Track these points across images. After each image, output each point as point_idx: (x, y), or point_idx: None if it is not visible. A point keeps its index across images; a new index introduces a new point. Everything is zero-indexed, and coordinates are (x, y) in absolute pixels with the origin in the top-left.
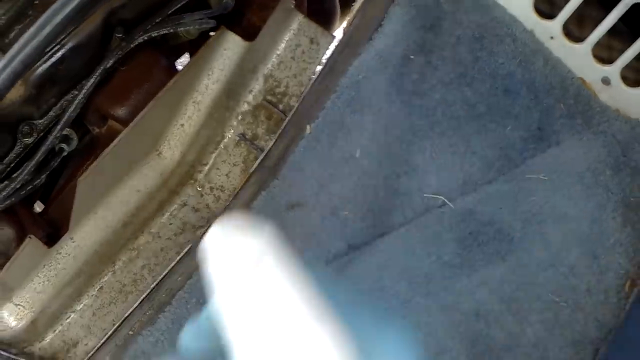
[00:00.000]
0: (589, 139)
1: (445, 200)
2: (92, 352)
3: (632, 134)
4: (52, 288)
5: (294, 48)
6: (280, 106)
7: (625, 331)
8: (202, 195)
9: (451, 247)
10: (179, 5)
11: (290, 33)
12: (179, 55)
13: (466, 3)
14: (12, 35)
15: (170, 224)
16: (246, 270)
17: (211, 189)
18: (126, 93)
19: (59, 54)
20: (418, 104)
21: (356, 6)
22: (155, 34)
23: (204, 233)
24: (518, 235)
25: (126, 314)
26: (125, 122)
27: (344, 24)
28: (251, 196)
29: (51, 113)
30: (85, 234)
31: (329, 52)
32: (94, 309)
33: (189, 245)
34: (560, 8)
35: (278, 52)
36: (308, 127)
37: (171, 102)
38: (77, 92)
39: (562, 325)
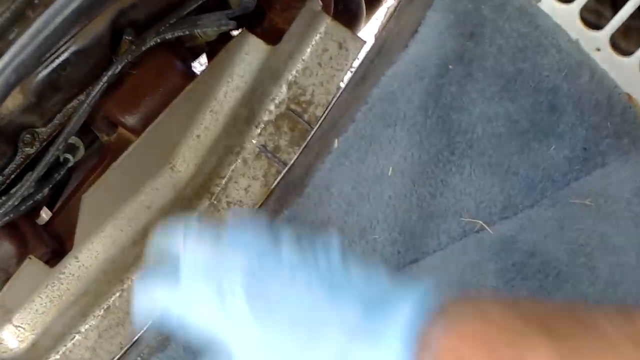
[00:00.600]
0: (636, 161)
1: (484, 225)
2: None
3: None
4: (55, 309)
5: (320, 53)
6: (305, 116)
7: None
8: (218, 211)
9: (492, 280)
10: (196, 5)
11: (317, 37)
12: (195, 58)
13: (509, 10)
14: (10, 38)
15: None
16: None
17: (228, 203)
18: (137, 99)
19: (61, 58)
20: (456, 118)
21: (389, 11)
22: (170, 36)
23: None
24: (564, 270)
25: (134, 338)
26: (136, 130)
27: (375, 28)
28: (272, 215)
29: (55, 121)
30: (90, 254)
31: (358, 59)
32: (100, 330)
33: None
34: (607, 19)
35: (303, 58)
36: (336, 141)
37: (186, 111)
38: (83, 99)
39: None
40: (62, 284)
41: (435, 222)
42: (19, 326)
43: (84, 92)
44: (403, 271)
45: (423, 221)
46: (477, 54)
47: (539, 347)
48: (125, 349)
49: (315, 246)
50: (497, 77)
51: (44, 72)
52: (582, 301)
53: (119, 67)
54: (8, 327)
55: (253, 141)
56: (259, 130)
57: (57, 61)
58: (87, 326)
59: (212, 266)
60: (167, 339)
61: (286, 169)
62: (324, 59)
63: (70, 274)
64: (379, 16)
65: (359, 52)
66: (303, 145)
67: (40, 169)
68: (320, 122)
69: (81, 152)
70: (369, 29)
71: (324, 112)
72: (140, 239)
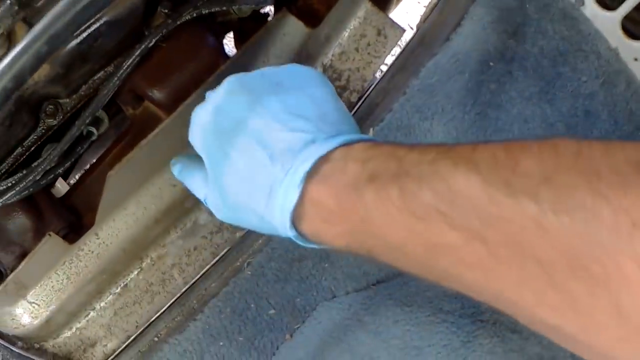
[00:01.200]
0: None
1: None
2: (112, 356)
3: None
4: (71, 286)
5: (358, 38)
6: None
7: None
8: None
9: None
10: None
11: (355, 21)
12: (225, 33)
13: (552, 11)
14: (39, 4)
15: (207, 220)
16: None
17: None
18: (167, 73)
19: (94, 29)
20: (494, 116)
21: (433, 1)
22: (206, 11)
23: (243, 235)
24: None
25: (152, 317)
26: (162, 105)
27: (417, 18)
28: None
29: (80, 92)
30: (111, 231)
31: (398, 48)
32: (116, 308)
33: (227, 248)
34: None
35: (340, 42)
36: (371, 130)
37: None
38: (110, 71)
39: None
40: (80, 261)
41: None
42: (33, 302)
43: (112, 64)
44: None
45: None
46: (518, 53)
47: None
48: (142, 328)
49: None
50: (537, 79)
51: (74, 43)
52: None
53: (153, 40)
54: (22, 303)
55: None
56: None
57: (89, 32)
58: (102, 303)
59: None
60: (186, 321)
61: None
62: (361, 45)
63: (89, 251)
64: (422, 6)
65: (398, 40)
66: None
67: (65, 142)
68: (355, 109)
69: (105, 125)
70: (408, 18)
71: (359, 99)
72: (163, 217)
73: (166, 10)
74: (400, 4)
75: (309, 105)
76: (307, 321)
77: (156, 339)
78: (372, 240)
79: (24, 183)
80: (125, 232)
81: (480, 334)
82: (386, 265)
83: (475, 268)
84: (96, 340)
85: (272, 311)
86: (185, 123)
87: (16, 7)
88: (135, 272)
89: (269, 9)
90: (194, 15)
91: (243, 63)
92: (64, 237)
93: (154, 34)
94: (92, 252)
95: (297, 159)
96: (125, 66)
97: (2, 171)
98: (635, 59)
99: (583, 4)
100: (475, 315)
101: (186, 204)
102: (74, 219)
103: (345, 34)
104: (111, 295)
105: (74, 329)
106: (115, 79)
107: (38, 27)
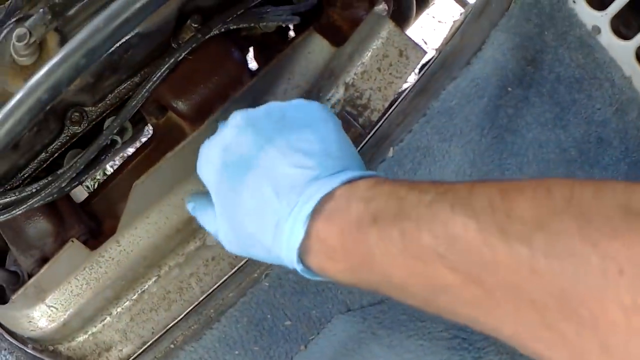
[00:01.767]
0: None
1: None
2: None
3: None
4: (90, 292)
5: (381, 58)
6: (360, 120)
7: None
8: None
9: None
10: None
11: (378, 41)
12: (249, 46)
13: (570, 39)
14: (71, 13)
15: None
16: None
17: None
18: (191, 85)
19: (125, 40)
20: (510, 140)
21: (455, 25)
22: (234, 27)
23: None
24: None
25: (168, 325)
26: (186, 117)
27: (439, 42)
28: None
29: (106, 101)
30: (133, 239)
31: (418, 69)
32: (133, 314)
33: (245, 259)
34: None
35: (363, 61)
36: (391, 149)
37: (245, 104)
38: (137, 81)
39: None
40: (100, 267)
41: None
42: (51, 306)
43: (138, 75)
44: None
45: None
46: (536, 80)
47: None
48: (158, 335)
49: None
50: (553, 105)
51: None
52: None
53: (183, 53)
54: (40, 306)
55: None
56: None
57: (121, 43)
58: (119, 309)
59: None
60: (203, 329)
61: None
62: (383, 65)
63: (110, 257)
64: (436, 31)
65: (419, 61)
66: (357, 150)
67: (92, 151)
68: (376, 128)
69: (129, 134)
70: (423, 41)
71: (379, 118)
72: (184, 227)
73: (196, 25)
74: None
75: (313, 141)
76: (321, 333)
77: (172, 345)
78: (375, 277)
79: (49, 189)
80: (146, 240)
81: (490, 350)
82: None
83: (473, 307)
84: (112, 344)
85: (288, 322)
86: (208, 135)
87: (49, 17)
88: (153, 280)
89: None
90: (222, 30)
91: (269, 80)
92: (84, 243)
93: (183, 48)
94: (113, 258)
95: (302, 196)
96: (155, 78)
97: (26, 175)
98: None
99: (599, 32)
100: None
101: None
102: (94, 225)
103: (368, 53)
104: (128, 302)
105: (89, 333)
106: (145, 90)
107: (77, 40)
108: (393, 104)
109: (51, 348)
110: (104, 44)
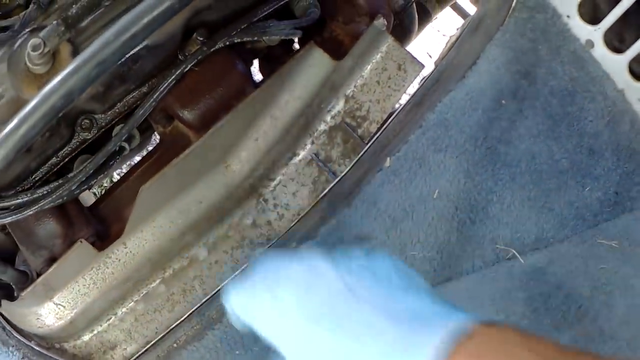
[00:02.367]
0: None
1: (517, 254)
2: (131, 359)
3: None
4: (96, 291)
5: (380, 72)
6: (359, 131)
7: None
8: (264, 211)
9: (520, 307)
10: (266, 13)
11: (377, 56)
12: (254, 59)
13: (563, 53)
14: (83, 25)
15: (228, 236)
16: None
17: (275, 205)
18: (197, 96)
19: (135, 52)
20: (503, 152)
21: (451, 40)
22: (238, 40)
23: (262, 252)
24: (586, 304)
25: (171, 325)
26: (192, 125)
27: (436, 56)
28: (319, 222)
29: (115, 109)
30: (139, 242)
31: (416, 82)
32: (137, 314)
33: (245, 265)
34: None
35: (363, 74)
36: (388, 159)
37: (248, 114)
38: (144, 91)
39: None
40: (107, 267)
41: (472, 246)
42: (59, 304)
43: (146, 85)
44: (436, 288)
45: (461, 244)
46: (529, 93)
47: None
48: (162, 335)
49: (364, 261)
50: (546, 117)
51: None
52: (593, 354)
53: (189, 65)
54: (48, 304)
55: (306, 149)
56: (312, 139)
57: (131, 55)
58: (124, 309)
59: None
60: (205, 330)
61: (337, 180)
62: (382, 78)
63: (116, 259)
64: (441, 45)
65: (417, 75)
66: (355, 160)
67: (101, 157)
68: (374, 139)
69: (137, 141)
70: (427, 55)
71: (378, 129)
72: (189, 231)
73: (201, 38)
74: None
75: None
76: None
77: (175, 345)
78: None
79: (60, 192)
80: (152, 243)
81: None
82: None
83: None
84: (116, 343)
85: None
86: (214, 144)
87: (62, 28)
88: (158, 282)
89: None
90: (227, 43)
91: (271, 92)
92: (92, 245)
93: (190, 60)
94: (119, 260)
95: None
96: (162, 88)
97: (37, 178)
98: None
99: (593, 46)
100: None
101: (210, 221)
102: (101, 228)
103: (368, 67)
104: (133, 302)
105: (95, 332)
106: (152, 100)
107: (89, 51)
108: (391, 116)
109: (57, 346)
110: (114, 55)
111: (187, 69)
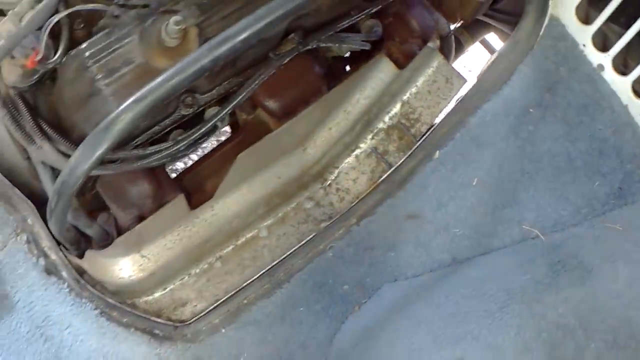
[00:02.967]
0: None
1: (539, 233)
2: (201, 315)
3: None
4: (180, 248)
5: (431, 83)
6: (412, 130)
7: None
8: (327, 194)
9: (543, 269)
10: (346, 25)
11: (430, 70)
12: (325, 66)
13: (579, 74)
14: (211, 12)
15: (295, 213)
16: None
17: (337, 190)
18: (283, 90)
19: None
20: (529, 150)
21: (490, 59)
22: (323, 45)
23: (327, 226)
24: (596, 269)
25: (240, 286)
26: (274, 114)
27: (478, 71)
28: (377, 202)
29: (214, 92)
30: (224, 206)
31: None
32: (210, 275)
33: (310, 236)
34: None
35: (417, 84)
36: (437, 152)
37: (324, 108)
38: (238, 81)
39: (619, 346)
40: (194, 226)
41: (502, 226)
42: (145, 256)
43: (242, 75)
44: (473, 260)
45: (494, 224)
46: (551, 104)
47: None
48: (231, 294)
49: None
50: (564, 124)
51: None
52: None
53: (287, 59)
54: (134, 255)
55: (367, 143)
56: (372, 135)
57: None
58: (197, 270)
59: None
60: (273, 289)
61: (392, 169)
62: (433, 88)
63: (204, 219)
64: (483, 62)
65: (461, 87)
66: (410, 152)
67: (200, 132)
68: (425, 137)
69: (226, 122)
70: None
71: (428, 130)
72: (265, 203)
73: (297, 38)
74: None
75: None
76: (372, 297)
77: (245, 301)
78: None
79: (167, 152)
80: (235, 208)
81: (510, 304)
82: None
83: None
84: (187, 301)
85: (345, 287)
86: (294, 129)
87: (198, 12)
88: (231, 247)
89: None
90: (315, 46)
91: (346, 90)
92: None
93: (286, 55)
94: (206, 221)
95: None
96: (259, 78)
97: (138, 144)
98: None
99: (603, 69)
100: (509, 291)
101: (282, 197)
102: (185, 196)
103: (421, 79)
104: (207, 264)
105: (167, 289)
106: (250, 87)
107: (224, 35)
108: (440, 119)
109: (129, 301)
110: (244, 42)
111: (282, 65)
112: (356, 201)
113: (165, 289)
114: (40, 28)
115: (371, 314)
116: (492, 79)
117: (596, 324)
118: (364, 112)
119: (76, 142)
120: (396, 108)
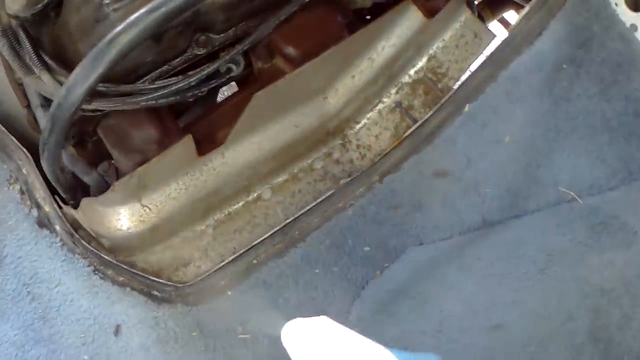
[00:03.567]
0: None
1: (575, 196)
2: (203, 275)
3: None
4: (185, 198)
5: (458, 37)
6: (439, 85)
7: None
8: (347, 150)
9: (584, 231)
10: None
11: (457, 24)
12: (348, 18)
13: (611, 33)
14: None
15: (312, 169)
16: None
17: (358, 146)
18: (302, 37)
19: None
20: (564, 107)
21: (522, 13)
22: None
23: (347, 182)
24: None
25: (249, 245)
26: (293, 62)
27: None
28: (402, 158)
29: (229, 32)
30: (236, 153)
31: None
32: (217, 233)
33: (330, 192)
34: None
35: (444, 38)
36: (467, 106)
37: (348, 53)
38: (255, 23)
39: None
40: (202, 175)
41: (537, 187)
42: (146, 206)
43: (260, 15)
44: (506, 223)
45: (527, 185)
46: (585, 60)
47: None
48: (239, 253)
49: None
50: (599, 82)
51: None
52: None
53: (304, 2)
54: (135, 204)
55: (390, 97)
56: (396, 89)
57: None
58: (203, 226)
59: None
60: (287, 248)
61: (417, 124)
62: (460, 43)
63: (212, 167)
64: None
65: (490, 43)
66: (435, 108)
67: (213, 67)
68: (454, 90)
69: (241, 68)
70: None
71: (456, 84)
72: (280, 154)
73: None
74: None
75: None
76: (396, 261)
77: (255, 261)
78: None
79: (175, 88)
80: (247, 157)
81: (551, 266)
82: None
83: None
84: (190, 260)
85: (367, 248)
86: (314, 74)
87: None
88: (241, 204)
89: None
90: None
91: (370, 36)
92: None
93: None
94: (215, 169)
95: None
96: (276, 20)
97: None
98: None
99: (637, 29)
100: (549, 252)
101: (299, 149)
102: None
103: (449, 32)
104: (214, 221)
105: (169, 247)
106: (271, 23)
107: None
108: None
109: (126, 260)
110: None
111: (303, 5)
112: (378, 159)
113: (166, 247)
114: None
115: (395, 279)
116: (524, 34)
117: None
118: (389, 62)
119: None
120: (422, 62)
